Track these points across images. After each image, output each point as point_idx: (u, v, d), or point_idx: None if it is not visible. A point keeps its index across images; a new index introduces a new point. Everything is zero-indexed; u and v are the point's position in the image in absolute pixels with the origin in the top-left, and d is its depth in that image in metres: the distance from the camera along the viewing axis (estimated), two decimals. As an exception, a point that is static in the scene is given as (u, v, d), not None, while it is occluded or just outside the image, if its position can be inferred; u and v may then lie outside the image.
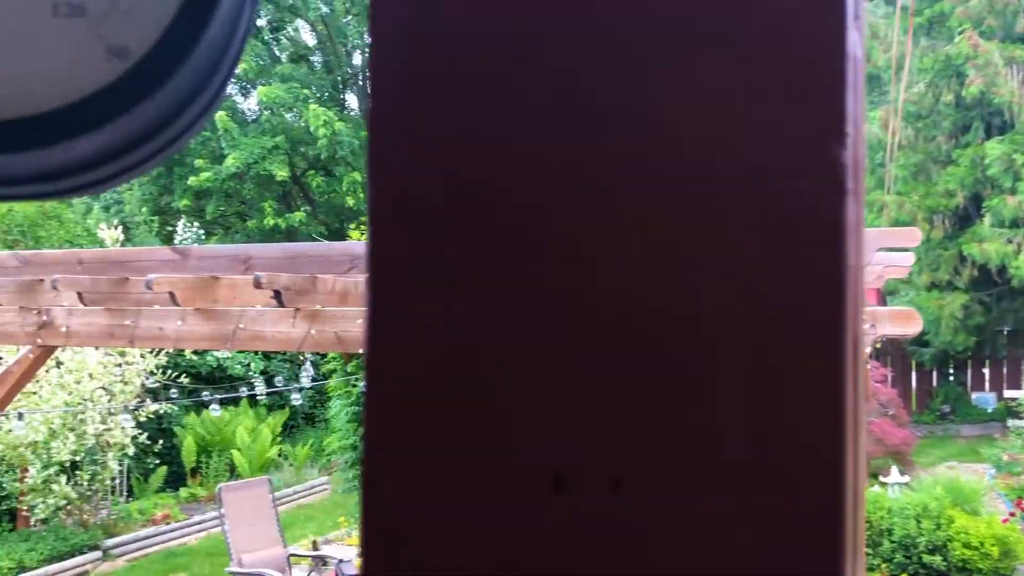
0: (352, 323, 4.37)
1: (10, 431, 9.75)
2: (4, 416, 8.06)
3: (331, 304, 4.62)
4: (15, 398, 5.95)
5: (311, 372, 7.48)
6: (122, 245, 11.42)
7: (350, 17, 17.01)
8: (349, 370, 8.87)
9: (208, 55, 0.45)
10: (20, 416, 6.52)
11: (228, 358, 14.38)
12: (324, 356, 16.23)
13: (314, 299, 4.54)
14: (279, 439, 14.53)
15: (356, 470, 9.10)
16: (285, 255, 4.69)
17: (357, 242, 5.47)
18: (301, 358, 16.16)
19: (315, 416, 16.58)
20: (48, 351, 5.57)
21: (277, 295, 4.39)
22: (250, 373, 14.80)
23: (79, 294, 4.80)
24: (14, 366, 5.79)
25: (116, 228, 11.26)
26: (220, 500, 7.70)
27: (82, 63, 0.44)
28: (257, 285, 4.25)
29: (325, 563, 8.01)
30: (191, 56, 0.44)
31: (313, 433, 15.96)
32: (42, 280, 5.17)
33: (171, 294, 4.56)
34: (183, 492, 12.91)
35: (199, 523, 11.88)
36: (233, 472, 13.40)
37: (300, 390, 8.84)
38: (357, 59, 19.67)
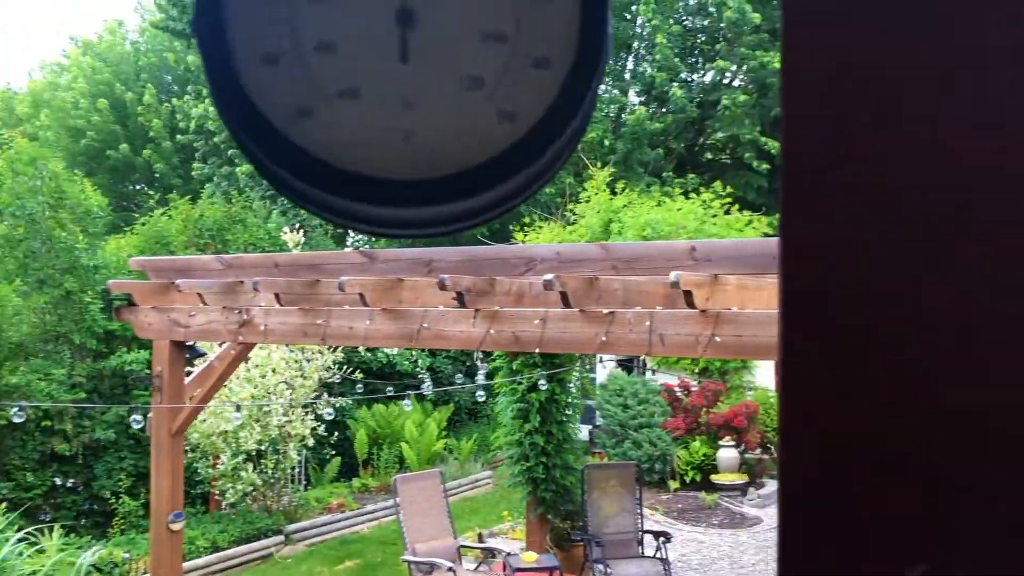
0: (528, 323, 4.50)
1: (204, 420, 10.56)
2: (216, 407, 8.74)
3: (507, 305, 4.76)
4: (217, 391, 6.45)
5: (484, 369, 7.72)
6: (302, 247, 12.10)
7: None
8: (515, 368, 9.05)
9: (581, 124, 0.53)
10: (238, 408, 7.05)
11: (397, 354, 14.96)
12: (490, 354, 16.61)
13: (492, 300, 4.70)
14: (444, 433, 14.99)
15: (522, 465, 9.29)
16: (464, 258, 4.87)
17: (532, 245, 5.58)
18: (463, 356, 16.61)
19: (477, 412, 17.00)
20: (247, 347, 6.02)
21: (459, 296, 4.57)
22: (417, 369, 15.35)
23: (276, 295, 5.16)
24: (216, 361, 6.29)
25: (298, 232, 11.95)
26: (395, 490, 8.06)
27: (480, 128, 0.53)
28: (442, 287, 4.44)
29: (493, 555, 8.23)
30: (571, 125, 0.52)
31: (476, 428, 16.37)
32: (242, 282, 5.59)
33: (361, 295, 4.83)
34: (355, 482, 13.55)
35: (371, 512, 12.45)
36: (402, 464, 13.94)
37: (485, 387, 9.11)
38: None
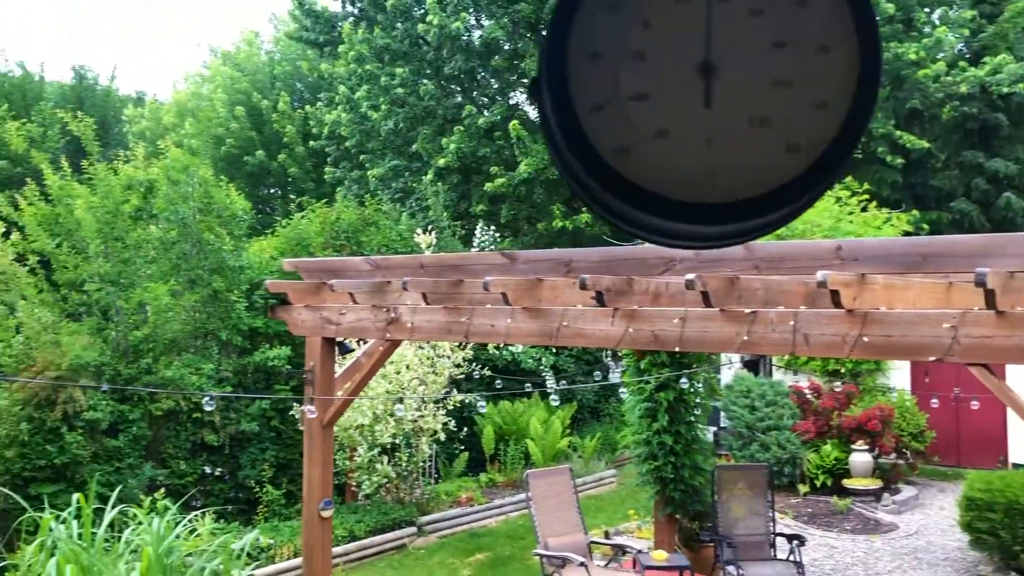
0: (668, 322, 4.57)
1: (343, 415, 11.03)
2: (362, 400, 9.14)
3: (645, 304, 4.84)
4: (366, 385, 6.77)
5: (620, 369, 7.79)
6: (434, 248, 12.46)
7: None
8: (642, 367, 9.10)
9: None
10: (400, 400, 7.39)
11: (522, 352, 15.19)
12: (616, 354, 16.64)
13: (631, 299, 4.79)
14: (568, 431, 15.13)
15: (650, 464, 9.33)
16: (603, 258, 4.98)
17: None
18: (586, 355, 16.70)
19: (599, 411, 17.07)
20: (394, 344, 6.31)
21: (599, 296, 4.68)
22: (541, 367, 15.54)
23: (423, 294, 5.41)
24: (362, 357, 6.61)
25: (430, 233, 12.32)
26: (526, 485, 8.23)
27: (769, 161, 0.65)
28: (582, 287, 4.57)
29: (624, 552, 8.30)
30: (846, 160, 0.63)
31: (598, 427, 16.45)
32: (389, 282, 5.87)
33: (503, 295, 5.01)
34: (482, 477, 13.85)
35: (499, 507, 12.72)
36: (528, 460, 14.17)
37: (611, 386, 9.20)
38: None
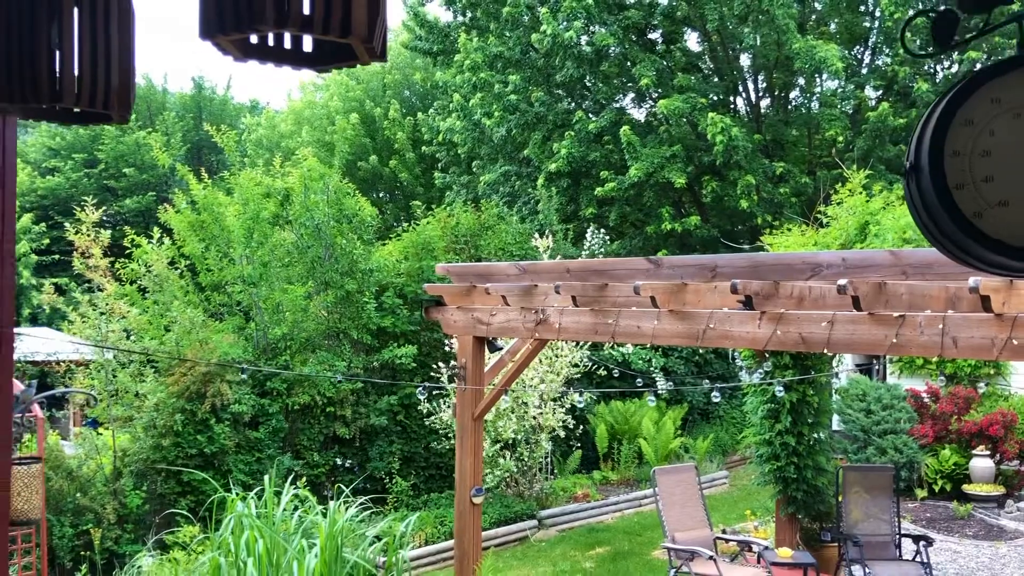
0: (816, 325, 4.83)
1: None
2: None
3: (790, 307, 5.11)
4: (515, 381, 7.22)
5: (760, 371, 8.03)
6: (551, 252, 12.87)
7: (745, 23, 17.36)
8: (766, 369, 9.28)
9: None
10: (563, 395, 7.81)
11: (631, 353, 15.47)
12: (729, 357, 16.74)
13: (776, 303, 5.08)
14: (679, 432, 15.33)
15: (772, 464, 9.51)
16: (749, 264, 5.27)
17: (817, 252, 5.90)
18: (696, 357, 16.86)
19: (709, 412, 17.20)
20: (542, 343, 6.73)
21: (748, 300, 4.98)
22: (651, 368, 15.78)
23: (573, 297, 5.80)
24: (505, 355, 7.06)
25: (547, 237, 12.74)
26: (654, 481, 8.54)
27: None
28: (733, 291, 4.88)
29: (751, 548, 8.52)
30: None
31: (708, 428, 16.58)
32: (536, 285, 6.29)
33: (652, 298, 5.36)
34: (596, 474, 14.19)
35: (614, 504, 13.04)
36: (641, 459, 14.44)
37: (719, 390, 9.42)
38: (744, 61, 19.97)
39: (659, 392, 15.55)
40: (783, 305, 5.07)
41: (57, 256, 25.57)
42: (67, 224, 11.06)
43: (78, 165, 28.58)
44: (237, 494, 6.26)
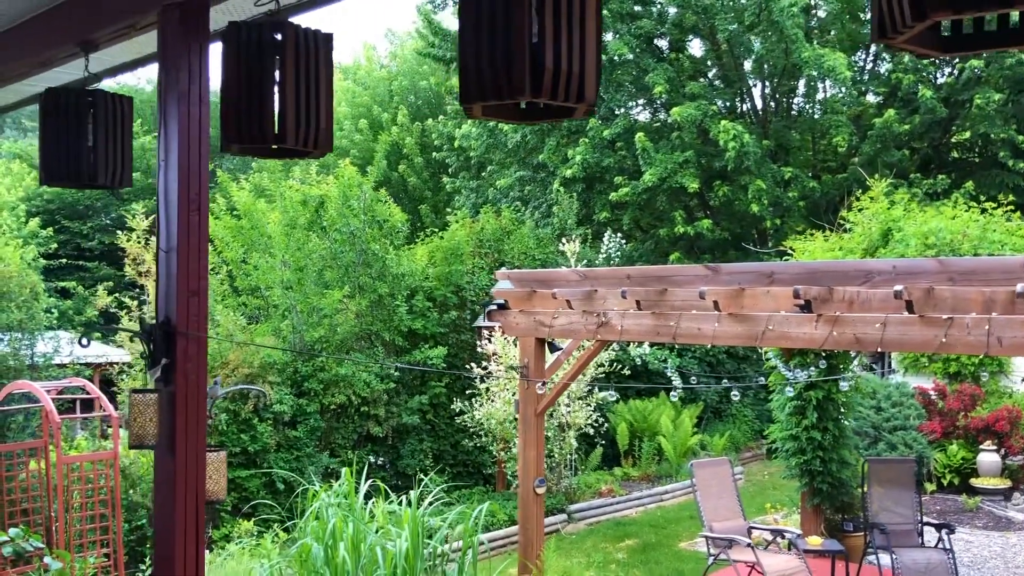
0: (870, 326, 5.33)
1: (500, 408, 12.03)
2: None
3: (842, 311, 5.61)
4: (575, 379, 7.69)
5: (808, 371, 8.52)
6: (577, 257, 13.35)
7: (753, 31, 17.91)
8: (792, 366, 9.78)
9: None
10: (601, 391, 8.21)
11: (649, 354, 15.96)
12: (750, 357, 17.23)
13: (830, 307, 5.58)
14: (694, 430, 15.85)
15: (798, 458, 10.02)
16: (804, 271, 5.77)
17: (868, 260, 6.40)
18: (709, 357, 17.37)
19: (721, 411, 17.74)
20: (602, 344, 7.20)
21: (807, 304, 5.48)
22: (666, 368, 16.29)
23: (637, 302, 6.28)
24: (561, 355, 7.54)
25: (574, 242, 13.22)
26: (691, 474, 9.04)
27: None
28: (795, 296, 5.38)
29: (783, 536, 9.02)
30: None
31: (722, 426, 17.12)
32: (596, 290, 6.77)
33: (715, 302, 5.86)
34: (617, 471, 14.69)
35: (637, 499, 13.54)
36: (661, 456, 14.94)
37: (772, 386, 9.92)
38: (747, 66, 20.49)
39: (681, 389, 16.04)
40: (835, 308, 5.57)
41: (64, 260, 25.87)
42: (119, 232, 11.45)
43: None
44: (320, 486, 6.72)
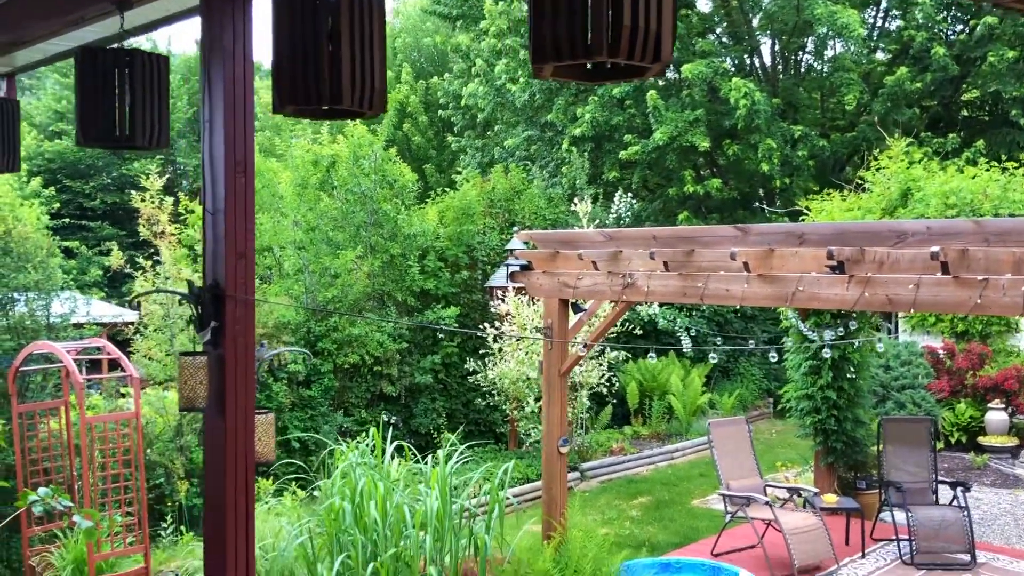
0: (903, 287, 5.31)
1: (513, 368, 12.07)
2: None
3: (873, 272, 5.59)
4: (599, 340, 7.70)
5: (830, 332, 8.52)
6: (588, 218, 13.30)
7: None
8: (807, 326, 9.80)
9: None
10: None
11: (657, 314, 15.98)
12: (758, 316, 17.27)
13: (862, 267, 5.56)
14: (703, 389, 15.93)
15: (812, 417, 10.08)
16: (834, 231, 5.75)
17: (902, 221, 6.37)
18: (717, 317, 17.40)
19: (729, 370, 17.82)
20: (627, 306, 7.20)
21: (840, 265, 5.47)
22: (675, 328, 16.32)
23: (665, 263, 6.27)
24: (583, 316, 7.54)
25: (585, 203, 13.17)
26: (709, 433, 9.10)
27: None
28: (829, 256, 5.36)
29: (799, 494, 9.10)
30: None
31: (729, 385, 17.21)
32: (621, 251, 6.75)
33: (745, 263, 5.84)
34: (627, 429, 14.79)
35: (648, 457, 13.66)
36: (671, 415, 15.04)
37: (789, 346, 9.94)
38: (755, 22, 20.25)
39: (685, 350, 16.07)
40: (866, 269, 5.55)
41: (67, 220, 25.75)
42: (134, 192, 11.37)
43: (86, 129, 28.65)
44: (348, 444, 6.76)
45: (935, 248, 4.92)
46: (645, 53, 2.23)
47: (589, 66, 2.37)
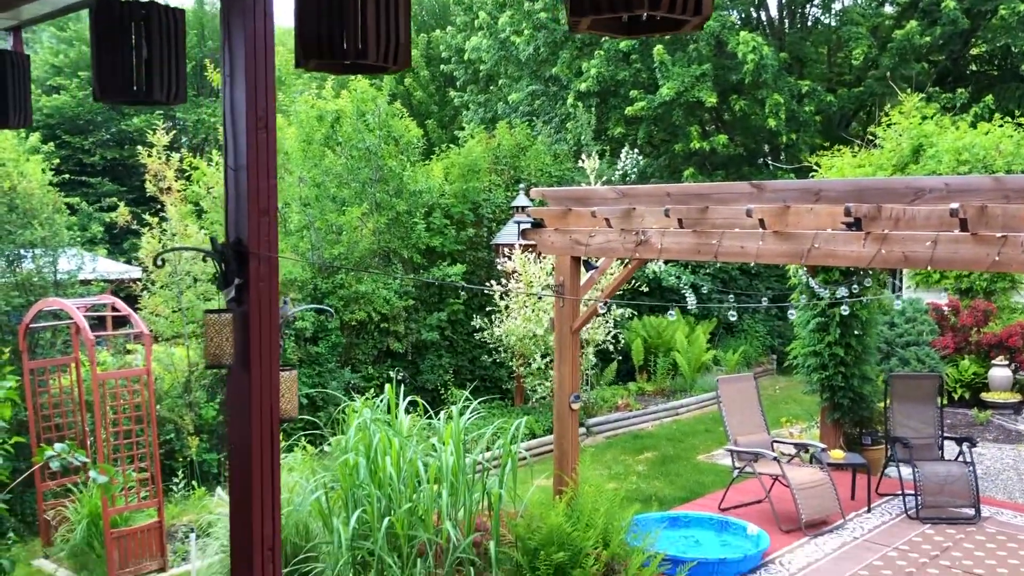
0: (920, 244, 5.29)
1: (524, 325, 12.09)
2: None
3: (889, 229, 5.56)
4: (611, 296, 7.70)
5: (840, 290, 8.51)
6: (595, 174, 13.22)
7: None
8: (817, 283, 9.79)
9: None
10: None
11: (663, 271, 15.98)
12: (762, 273, 17.27)
13: (879, 224, 5.53)
14: (708, 346, 15.98)
15: (820, 374, 10.12)
16: (851, 188, 5.71)
17: (920, 177, 6.33)
18: (722, 274, 17.39)
19: (734, 327, 17.85)
20: (640, 263, 7.18)
21: (857, 221, 5.44)
22: (681, 285, 16.33)
23: (680, 220, 6.24)
24: (595, 273, 7.53)
25: (593, 158, 13.08)
26: (717, 389, 9.14)
27: None
28: (847, 213, 5.34)
29: (806, 450, 9.18)
30: None
31: (733, 342, 17.26)
32: (634, 208, 6.71)
33: (760, 221, 5.82)
34: (632, 386, 14.86)
35: (653, 413, 13.74)
36: (676, 371, 15.10)
37: (796, 302, 9.94)
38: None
39: (690, 308, 16.09)
40: (882, 226, 5.53)
41: (67, 176, 25.61)
42: (140, 147, 11.28)
43: (83, 83, 28.34)
44: (361, 400, 6.79)
45: (954, 205, 4.89)
46: (686, 6, 2.19)
47: (625, 19, 2.34)
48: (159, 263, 4.32)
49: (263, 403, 3.54)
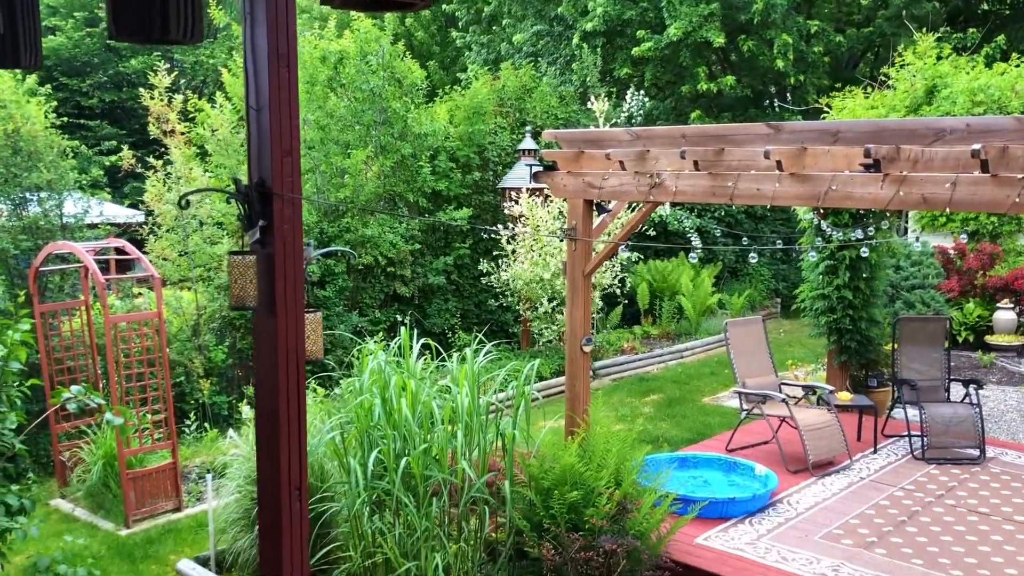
0: (939, 186, 5.25)
1: (531, 269, 12.08)
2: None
3: (908, 171, 5.52)
4: (625, 240, 7.67)
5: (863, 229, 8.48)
6: (604, 117, 13.08)
7: None
8: (824, 227, 9.77)
9: None
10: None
11: (668, 215, 15.92)
12: (767, 217, 17.21)
13: (899, 166, 5.49)
14: (713, 290, 16.01)
15: (827, 316, 10.15)
16: (871, 129, 5.64)
17: (940, 118, 6.26)
18: (727, 217, 17.32)
19: (738, 270, 17.86)
20: (654, 206, 7.15)
21: (876, 163, 5.39)
22: (685, 228, 16.28)
23: (695, 162, 6.19)
24: (607, 217, 7.49)
25: (602, 100, 12.93)
26: (726, 332, 9.16)
27: None
28: (866, 155, 5.29)
29: (814, 392, 9.24)
30: None
31: (738, 286, 17.28)
32: (648, 150, 6.65)
33: (778, 162, 5.77)
34: (637, 329, 14.92)
35: (658, 356, 13.82)
36: (681, 315, 15.15)
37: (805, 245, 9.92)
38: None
39: (698, 250, 16.07)
40: (901, 168, 5.48)
41: (66, 119, 25.37)
42: (142, 90, 11.15)
43: (80, 24, 27.87)
44: (376, 342, 6.81)
45: (976, 146, 4.84)
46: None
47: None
48: (183, 204, 4.28)
49: (288, 344, 3.54)
